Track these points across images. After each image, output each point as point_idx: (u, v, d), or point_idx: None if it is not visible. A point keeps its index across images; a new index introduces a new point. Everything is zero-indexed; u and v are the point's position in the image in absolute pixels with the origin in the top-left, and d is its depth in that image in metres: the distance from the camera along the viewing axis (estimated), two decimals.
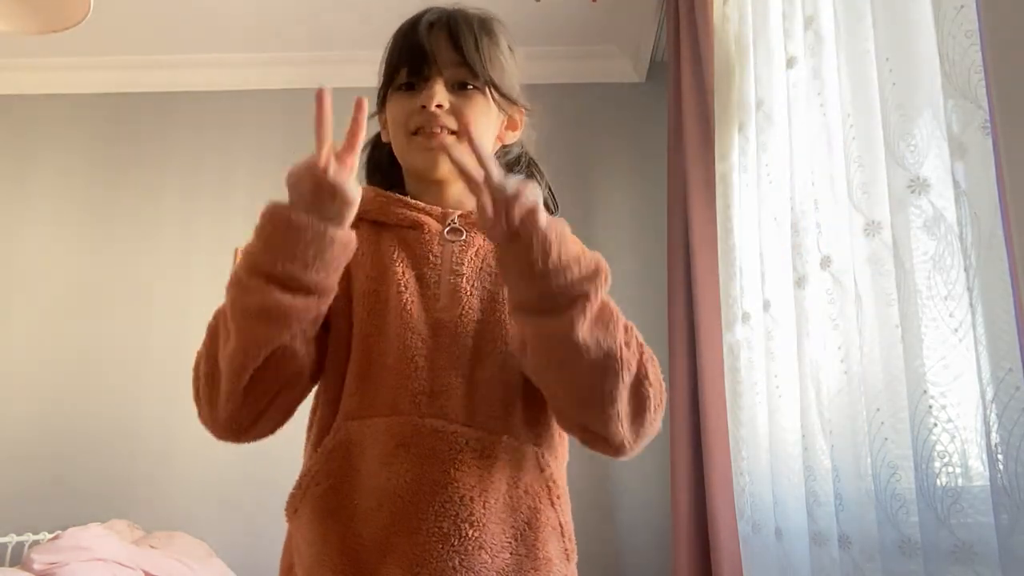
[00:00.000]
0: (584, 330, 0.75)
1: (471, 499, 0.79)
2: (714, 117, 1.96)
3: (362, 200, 0.95)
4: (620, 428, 0.79)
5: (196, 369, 0.85)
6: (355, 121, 0.79)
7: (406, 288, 0.87)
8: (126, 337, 2.86)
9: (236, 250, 2.91)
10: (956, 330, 0.96)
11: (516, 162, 1.06)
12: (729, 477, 1.74)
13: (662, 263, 2.32)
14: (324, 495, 0.82)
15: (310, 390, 0.90)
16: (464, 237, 0.93)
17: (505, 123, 1.00)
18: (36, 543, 2.23)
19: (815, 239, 1.36)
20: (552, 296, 0.74)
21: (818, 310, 1.33)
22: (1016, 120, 0.79)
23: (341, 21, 2.86)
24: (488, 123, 0.96)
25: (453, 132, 0.91)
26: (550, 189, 1.07)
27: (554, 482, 0.86)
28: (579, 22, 2.82)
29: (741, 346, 1.72)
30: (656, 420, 0.82)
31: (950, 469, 0.96)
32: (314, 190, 0.77)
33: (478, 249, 0.92)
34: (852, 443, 1.20)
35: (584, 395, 0.78)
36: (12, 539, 2.35)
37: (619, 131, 2.94)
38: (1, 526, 2.47)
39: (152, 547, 2.21)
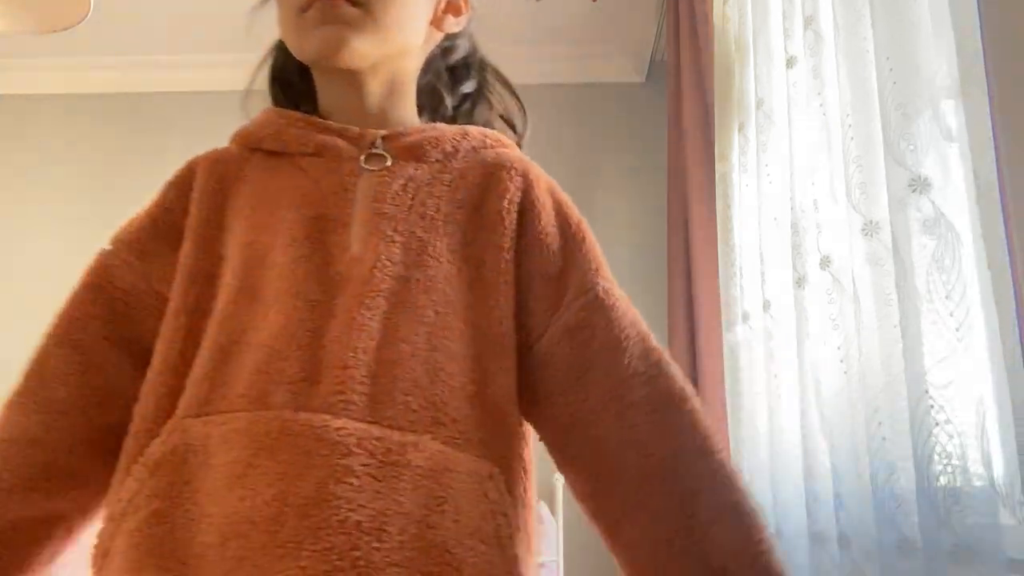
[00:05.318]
0: None
1: (358, 525, 0.52)
2: (714, 117, 1.95)
3: (259, 124, 0.76)
4: None
5: None
6: None
7: (296, 238, 0.64)
8: None
9: None
10: (956, 330, 0.96)
11: (464, 66, 0.83)
12: None
13: (662, 263, 2.32)
14: (145, 524, 0.55)
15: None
16: (388, 164, 0.69)
17: (444, 5, 0.77)
18: None
19: (815, 239, 1.35)
20: None
21: (818, 310, 1.33)
22: (1016, 120, 0.79)
23: None
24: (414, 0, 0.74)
25: (357, 5, 0.69)
26: (519, 101, 0.85)
27: (504, 515, 0.59)
28: (579, 22, 2.81)
29: (741, 346, 1.72)
30: None
31: (950, 469, 0.96)
32: None
33: (407, 182, 0.68)
34: (852, 443, 1.19)
35: None
36: None
37: (619, 131, 2.94)
38: None
39: None
